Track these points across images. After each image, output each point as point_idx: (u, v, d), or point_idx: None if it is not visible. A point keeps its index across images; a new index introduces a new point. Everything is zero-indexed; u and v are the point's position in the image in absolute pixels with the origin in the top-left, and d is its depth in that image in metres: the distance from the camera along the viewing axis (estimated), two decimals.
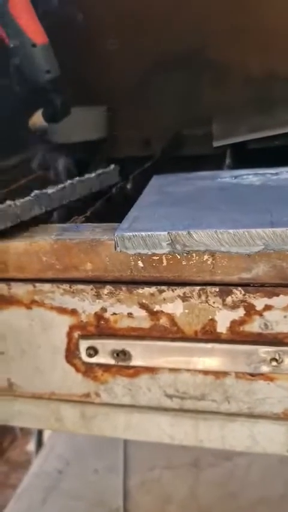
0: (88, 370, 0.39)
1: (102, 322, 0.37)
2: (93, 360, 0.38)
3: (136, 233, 0.32)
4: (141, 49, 0.77)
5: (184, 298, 0.34)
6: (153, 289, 0.35)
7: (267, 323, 0.34)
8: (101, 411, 0.41)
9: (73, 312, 0.37)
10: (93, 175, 0.51)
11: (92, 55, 0.78)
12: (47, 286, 0.37)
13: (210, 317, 0.35)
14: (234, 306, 0.34)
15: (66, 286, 0.36)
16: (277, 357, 0.34)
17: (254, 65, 0.74)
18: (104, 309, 0.36)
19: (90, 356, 0.37)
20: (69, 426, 0.42)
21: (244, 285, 0.33)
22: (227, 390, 0.36)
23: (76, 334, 0.38)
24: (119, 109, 0.78)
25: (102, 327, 0.37)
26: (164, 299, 0.35)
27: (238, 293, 0.33)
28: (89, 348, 0.37)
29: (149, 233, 0.32)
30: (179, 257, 0.33)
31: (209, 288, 0.34)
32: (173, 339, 0.36)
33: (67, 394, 0.40)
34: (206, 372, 0.36)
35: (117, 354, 0.37)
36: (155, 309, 0.35)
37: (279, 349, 0.34)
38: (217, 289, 0.34)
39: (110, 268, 0.35)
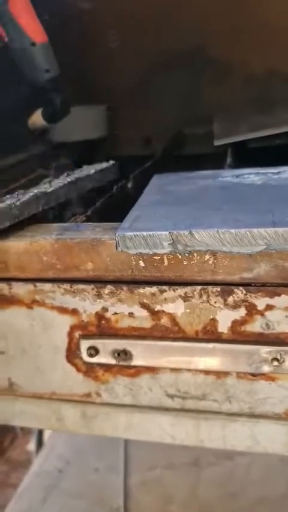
0: (89, 370, 0.39)
1: (103, 322, 0.37)
2: (94, 360, 0.37)
3: (137, 233, 0.32)
4: (141, 48, 0.76)
5: (185, 298, 0.34)
6: (154, 289, 0.35)
7: (268, 323, 0.34)
8: (102, 411, 0.41)
9: (74, 311, 0.37)
10: (92, 171, 0.51)
11: (93, 54, 0.78)
12: (47, 286, 0.37)
13: (211, 317, 0.34)
14: (235, 306, 0.34)
15: (67, 286, 0.36)
16: (278, 357, 0.34)
17: (255, 64, 0.74)
18: (105, 309, 0.36)
19: (91, 355, 0.37)
20: (70, 426, 0.42)
21: (245, 284, 0.33)
22: (228, 390, 0.36)
23: (77, 334, 0.38)
24: (119, 108, 0.78)
25: (103, 327, 0.37)
26: (165, 299, 0.35)
27: (239, 293, 0.33)
28: (90, 348, 0.37)
29: (150, 233, 0.32)
30: (180, 257, 0.33)
31: (210, 288, 0.34)
32: (174, 339, 0.36)
33: (68, 394, 0.40)
34: (207, 372, 0.36)
35: (118, 354, 0.37)
36: (156, 309, 0.35)
37: (281, 349, 0.34)
38: (218, 289, 0.34)
39: (111, 267, 0.35)
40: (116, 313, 0.36)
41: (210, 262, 0.33)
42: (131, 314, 0.36)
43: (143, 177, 0.54)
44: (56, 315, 0.37)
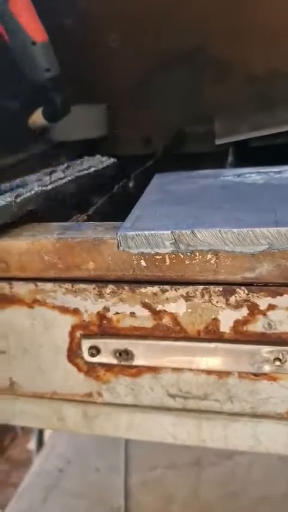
0: (90, 370, 0.39)
1: (105, 321, 0.37)
2: (96, 359, 0.37)
3: (139, 232, 0.32)
4: (142, 47, 0.76)
5: (187, 297, 0.34)
6: (156, 288, 0.35)
7: (270, 323, 0.33)
8: (103, 411, 0.41)
9: (75, 311, 0.37)
10: (92, 169, 0.51)
11: (93, 53, 0.78)
12: (49, 286, 0.37)
13: (213, 317, 0.34)
14: (237, 306, 0.34)
15: (68, 285, 0.36)
16: (281, 357, 0.34)
17: (256, 63, 0.74)
18: (106, 309, 0.36)
19: (92, 355, 0.37)
20: (71, 426, 0.42)
21: (248, 284, 0.33)
22: (230, 390, 0.36)
23: (78, 333, 0.38)
24: (119, 107, 0.78)
25: (105, 327, 0.37)
26: (167, 299, 0.35)
27: (242, 293, 0.33)
28: (91, 347, 0.37)
29: (152, 232, 0.32)
30: (182, 256, 0.33)
31: (212, 288, 0.34)
32: (176, 339, 0.35)
33: (69, 394, 0.40)
34: (209, 372, 0.36)
35: (120, 354, 0.37)
36: (157, 309, 0.35)
37: (283, 349, 0.34)
38: (220, 289, 0.33)
39: (112, 267, 0.34)
40: (117, 313, 0.36)
41: (212, 261, 0.32)
42: (132, 314, 0.36)
43: (144, 176, 0.54)
44: (57, 315, 0.37)
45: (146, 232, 0.32)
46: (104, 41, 0.77)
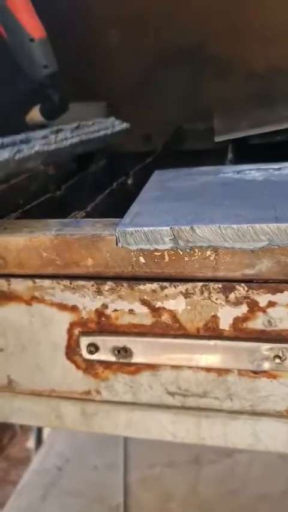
0: (89, 367, 0.38)
1: (103, 318, 0.36)
2: (94, 357, 0.37)
3: (138, 228, 0.32)
4: (142, 44, 0.76)
5: (186, 294, 0.34)
6: (155, 285, 0.34)
7: (270, 320, 0.33)
8: (101, 408, 0.40)
9: (74, 308, 0.37)
10: (102, 133, 0.48)
11: (93, 51, 0.77)
12: (47, 282, 0.36)
13: (212, 314, 0.34)
14: (237, 303, 0.33)
15: (66, 282, 0.36)
16: (280, 355, 0.34)
17: (256, 60, 0.74)
18: (105, 306, 0.36)
19: (91, 352, 0.37)
20: (69, 423, 0.42)
21: (247, 281, 0.33)
22: (229, 387, 0.36)
23: (77, 331, 0.37)
24: (119, 105, 0.78)
25: (103, 324, 0.36)
26: (166, 295, 0.34)
27: (241, 289, 0.33)
28: (89, 345, 0.37)
29: (151, 228, 0.31)
30: (181, 253, 0.32)
31: (211, 285, 0.33)
32: (175, 336, 0.35)
33: (67, 391, 0.40)
34: (208, 370, 0.36)
35: (118, 351, 0.36)
36: (156, 306, 0.35)
37: (283, 346, 0.33)
38: (220, 286, 0.33)
39: (111, 264, 0.34)
40: (116, 310, 0.36)
41: (211, 258, 0.32)
42: (131, 311, 0.35)
43: (143, 173, 0.53)
44: (56, 312, 0.37)
45: (145, 228, 0.32)
46: (104, 40, 0.77)
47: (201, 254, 0.32)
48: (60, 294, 0.36)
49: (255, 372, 0.35)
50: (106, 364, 0.38)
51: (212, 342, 0.35)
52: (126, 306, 0.35)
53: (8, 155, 0.36)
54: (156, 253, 0.33)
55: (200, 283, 0.33)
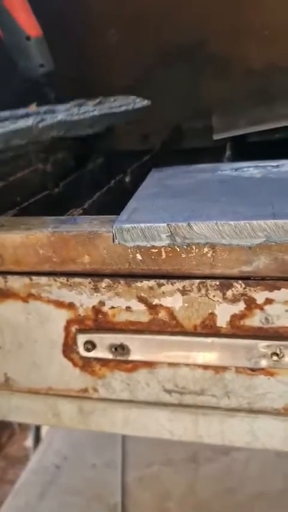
0: (86, 365, 0.38)
1: (100, 316, 0.36)
2: (91, 354, 0.37)
3: (135, 225, 0.32)
4: (141, 44, 0.76)
5: (183, 291, 0.34)
6: (152, 282, 0.34)
7: (268, 317, 0.33)
8: (99, 406, 0.40)
9: (70, 305, 0.36)
10: (123, 108, 0.48)
11: (92, 50, 0.77)
12: (44, 280, 0.36)
13: (210, 311, 0.34)
14: (234, 300, 0.33)
15: (63, 279, 0.36)
16: (278, 352, 0.33)
17: (254, 58, 0.74)
18: (102, 303, 0.36)
19: (88, 350, 0.37)
20: (66, 421, 0.42)
21: (245, 278, 0.33)
22: (226, 385, 0.36)
23: (74, 328, 0.37)
24: None
25: (100, 321, 0.36)
26: (163, 293, 0.34)
27: (238, 286, 0.33)
28: (86, 342, 0.37)
29: (148, 225, 0.31)
30: (178, 250, 0.32)
31: (209, 282, 0.33)
32: (172, 334, 0.35)
33: (64, 389, 0.40)
34: (205, 367, 0.36)
35: (115, 349, 0.36)
36: (153, 303, 0.35)
37: (280, 343, 0.33)
38: (217, 283, 0.33)
39: (108, 261, 0.34)
40: (113, 307, 0.36)
41: (209, 255, 0.32)
42: (128, 308, 0.35)
43: (141, 171, 0.53)
44: (53, 309, 0.37)
45: (142, 225, 0.31)
46: (104, 39, 0.76)
47: (198, 251, 0.32)
48: (57, 291, 0.36)
49: (252, 370, 0.35)
50: (103, 361, 0.38)
51: (209, 340, 0.34)
52: (123, 303, 0.35)
53: (32, 122, 0.36)
54: (153, 250, 0.33)
55: (197, 281, 0.33)
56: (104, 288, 0.35)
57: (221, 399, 0.36)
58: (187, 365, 0.36)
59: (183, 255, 0.32)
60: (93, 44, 0.77)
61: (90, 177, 0.62)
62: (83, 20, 0.76)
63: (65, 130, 0.40)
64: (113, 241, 0.33)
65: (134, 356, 0.36)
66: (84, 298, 0.36)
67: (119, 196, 0.49)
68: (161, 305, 0.35)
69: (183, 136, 0.75)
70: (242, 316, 0.34)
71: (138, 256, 0.33)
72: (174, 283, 0.34)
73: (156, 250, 0.33)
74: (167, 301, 0.34)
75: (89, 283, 0.35)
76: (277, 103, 0.68)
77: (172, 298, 0.34)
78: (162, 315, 0.35)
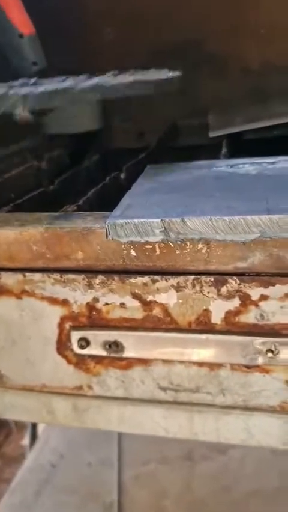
0: (80, 362, 0.38)
1: (94, 312, 0.36)
2: (85, 351, 0.37)
3: (128, 220, 0.31)
4: (137, 42, 0.76)
5: (178, 288, 0.34)
6: (146, 278, 0.34)
7: (263, 314, 0.33)
8: (93, 404, 0.40)
9: (64, 302, 0.36)
10: (147, 78, 0.50)
11: (88, 48, 0.77)
12: (37, 276, 0.36)
13: (204, 308, 0.34)
14: (229, 296, 0.33)
15: (57, 275, 0.36)
16: (273, 349, 0.33)
17: (252, 57, 0.74)
18: (96, 299, 0.35)
19: (82, 347, 0.36)
20: (61, 419, 0.42)
21: (239, 274, 0.32)
22: (222, 382, 0.36)
23: (67, 325, 0.37)
24: (114, 101, 0.77)
25: (94, 318, 0.36)
26: (157, 289, 0.34)
27: (233, 283, 0.33)
28: (80, 339, 0.36)
29: (142, 220, 0.31)
30: (172, 246, 0.32)
31: (203, 278, 0.33)
32: (167, 330, 0.35)
33: (59, 386, 0.39)
34: (200, 364, 0.36)
35: (110, 346, 0.36)
36: (148, 299, 0.34)
37: (276, 340, 0.33)
38: (212, 279, 0.33)
39: (101, 257, 0.34)
40: (107, 303, 0.35)
41: (203, 251, 0.32)
42: (122, 305, 0.35)
43: (136, 168, 0.53)
44: (46, 306, 0.37)
45: (136, 220, 0.31)
46: (100, 37, 0.76)
47: (192, 247, 0.32)
48: (51, 288, 0.36)
49: (247, 367, 0.35)
50: (97, 359, 0.37)
51: (203, 336, 0.34)
52: (117, 299, 0.35)
53: (70, 84, 0.37)
54: (147, 246, 0.32)
55: (192, 277, 0.33)
56: (98, 284, 0.35)
57: (216, 396, 0.36)
58: (182, 362, 0.36)
59: (178, 251, 0.32)
60: (89, 42, 0.77)
61: (85, 174, 0.61)
62: (79, 18, 0.76)
63: (101, 93, 0.41)
64: (107, 236, 0.32)
65: (128, 353, 0.36)
66: (78, 295, 0.36)
67: (114, 193, 0.49)
68: (155, 302, 0.34)
69: (179, 133, 0.75)
70: (237, 312, 0.33)
71: (132, 253, 0.33)
72: (169, 279, 0.34)
73: (151, 246, 0.32)
74: (161, 298, 0.34)
75: (83, 279, 0.35)
76: (273, 102, 0.68)
77: (166, 295, 0.34)
78: (157, 311, 0.35)
